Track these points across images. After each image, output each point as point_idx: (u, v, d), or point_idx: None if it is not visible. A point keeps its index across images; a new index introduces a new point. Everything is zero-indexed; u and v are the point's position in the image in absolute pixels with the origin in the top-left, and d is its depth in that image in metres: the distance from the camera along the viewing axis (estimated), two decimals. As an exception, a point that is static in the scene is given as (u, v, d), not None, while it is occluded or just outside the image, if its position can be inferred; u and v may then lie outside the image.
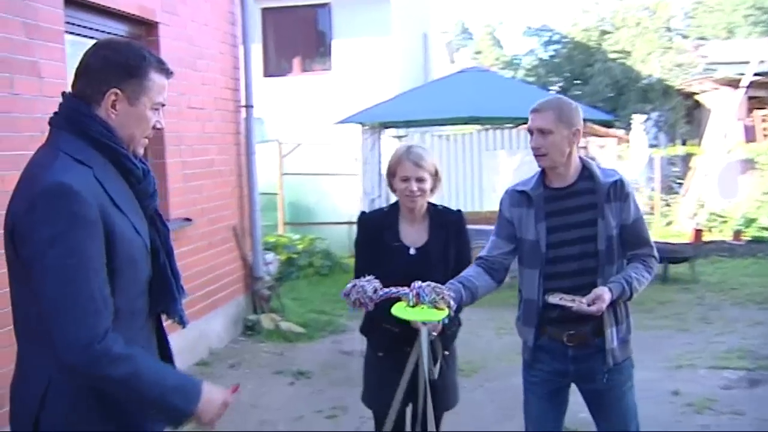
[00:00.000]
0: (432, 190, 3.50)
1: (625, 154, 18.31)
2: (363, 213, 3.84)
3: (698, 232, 11.62)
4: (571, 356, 3.11)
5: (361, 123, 9.42)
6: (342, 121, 9.39)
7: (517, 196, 3.21)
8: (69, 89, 2.11)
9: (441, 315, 2.90)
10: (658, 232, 14.53)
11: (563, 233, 3.09)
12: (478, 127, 11.33)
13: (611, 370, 3.10)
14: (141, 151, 2.15)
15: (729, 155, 15.84)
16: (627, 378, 3.19)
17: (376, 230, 3.53)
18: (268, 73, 14.91)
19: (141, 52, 2.06)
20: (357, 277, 3.14)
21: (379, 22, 14.33)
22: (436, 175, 3.49)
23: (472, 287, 3.10)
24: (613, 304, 3.01)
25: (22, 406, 2.00)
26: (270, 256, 9.83)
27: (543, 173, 3.16)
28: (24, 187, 1.94)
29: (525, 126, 9.37)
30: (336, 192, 12.57)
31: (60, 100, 2.08)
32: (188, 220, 6.61)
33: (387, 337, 3.42)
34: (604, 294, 2.93)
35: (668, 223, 16.19)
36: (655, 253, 3.16)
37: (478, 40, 49.22)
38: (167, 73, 2.12)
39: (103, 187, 1.95)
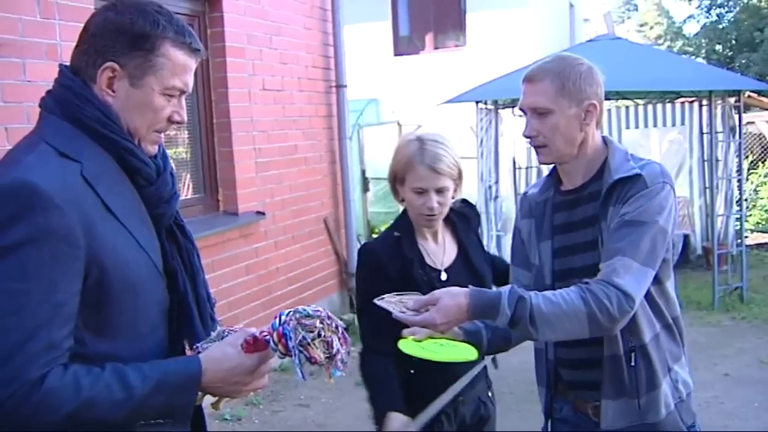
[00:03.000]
0: (454, 196, 2.56)
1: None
2: (365, 246, 2.70)
3: None
4: None
5: (475, 102, 8.57)
6: (450, 101, 8.56)
7: (526, 203, 2.33)
8: None
9: (470, 354, 2.03)
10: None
11: (571, 258, 2.16)
12: (615, 103, 10.13)
13: None
14: (153, 150, 1.66)
15: None
16: None
17: (399, 264, 2.50)
18: (398, 52, 14.33)
19: (154, 17, 1.58)
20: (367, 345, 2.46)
21: (516, -8, 13.29)
22: (459, 176, 2.52)
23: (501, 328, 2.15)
24: (615, 360, 2.08)
25: None
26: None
27: (556, 169, 2.26)
28: None
29: (680, 100, 8.06)
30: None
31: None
32: (261, 213, 6.03)
33: None
34: (443, 300, 1.91)
35: None
36: (621, 281, 1.92)
37: (643, 11, 46.39)
38: (191, 49, 1.62)
39: (94, 188, 1.51)
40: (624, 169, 2.07)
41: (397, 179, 2.54)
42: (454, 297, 1.93)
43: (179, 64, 1.60)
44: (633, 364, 2.08)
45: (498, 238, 8.45)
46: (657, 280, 2.06)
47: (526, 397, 5.45)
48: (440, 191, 2.45)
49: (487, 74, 9.77)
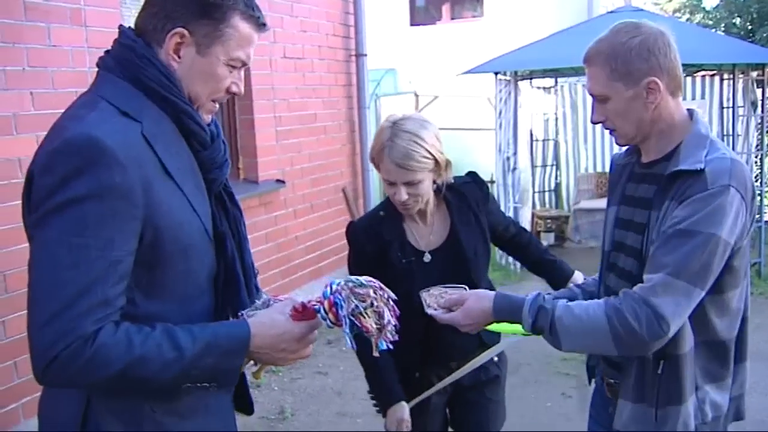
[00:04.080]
0: (437, 181, 2.48)
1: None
2: (350, 224, 2.66)
3: None
4: (610, 414, 2.12)
5: (494, 72, 8.51)
6: (470, 71, 8.48)
7: (613, 164, 2.26)
8: None
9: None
10: None
11: (625, 232, 2.07)
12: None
13: None
14: (208, 119, 1.68)
15: None
16: None
17: (376, 246, 2.50)
18: (414, 22, 14.20)
19: None
20: None
21: (534, -39, 13.13)
22: (437, 165, 2.41)
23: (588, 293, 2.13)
24: (642, 363, 1.96)
25: (55, 428, 1.58)
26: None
27: None
28: (46, 142, 1.49)
29: (700, 73, 7.92)
30: (477, 148, 11.70)
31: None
32: (281, 182, 6.03)
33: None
34: (468, 302, 1.96)
35: None
36: (658, 301, 1.78)
37: (661, -18, 45.63)
38: (258, 23, 1.63)
39: (153, 148, 1.51)
40: (692, 159, 1.86)
41: (374, 163, 2.48)
42: (479, 300, 1.96)
43: (245, 37, 1.60)
44: (659, 371, 1.94)
45: (515, 210, 8.43)
46: (715, 289, 1.87)
47: (543, 369, 5.48)
48: (410, 184, 2.38)
49: (504, 45, 9.70)
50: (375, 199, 7.77)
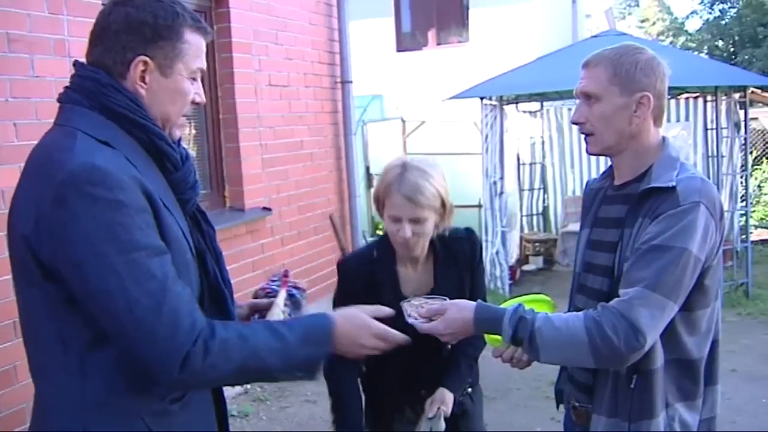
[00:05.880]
0: (439, 226, 2.47)
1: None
2: (343, 260, 2.70)
3: None
4: None
5: (480, 97, 8.56)
6: (456, 96, 8.53)
7: (587, 188, 2.33)
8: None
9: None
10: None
11: (596, 253, 2.12)
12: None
13: None
14: (178, 135, 1.75)
15: None
16: None
17: (367, 286, 2.46)
18: (401, 48, 14.29)
19: (172, 7, 1.66)
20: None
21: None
22: (443, 207, 2.42)
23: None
24: (615, 379, 1.99)
25: None
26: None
27: None
28: (39, 176, 1.52)
29: (684, 96, 7.99)
30: (465, 172, 11.72)
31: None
32: (267, 209, 6.02)
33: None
34: (449, 312, 1.98)
35: None
36: (635, 314, 1.81)
37: (644, 7, 46.38)
38: (205, 32, 1.73)
39: (138, 171, 1.56)
40: (664, 178, 1.94)
41: (379, 202, 2.48)
42: (460, 311, 1.97)
43: (198, 47, 1.70)
44: (632, 386, 1.97)
45: (503, 234, 8.44)
46: (685, 306, 1.92)
47: (532, 394, 5.45)
48: (416, 221, 2.37)
49: (489, 70, 9.76)
50: (362, 225, 7.77)
